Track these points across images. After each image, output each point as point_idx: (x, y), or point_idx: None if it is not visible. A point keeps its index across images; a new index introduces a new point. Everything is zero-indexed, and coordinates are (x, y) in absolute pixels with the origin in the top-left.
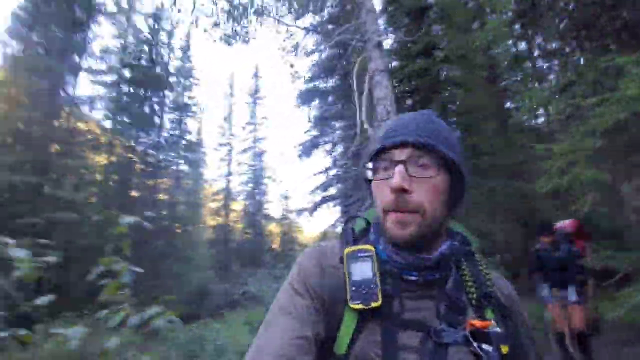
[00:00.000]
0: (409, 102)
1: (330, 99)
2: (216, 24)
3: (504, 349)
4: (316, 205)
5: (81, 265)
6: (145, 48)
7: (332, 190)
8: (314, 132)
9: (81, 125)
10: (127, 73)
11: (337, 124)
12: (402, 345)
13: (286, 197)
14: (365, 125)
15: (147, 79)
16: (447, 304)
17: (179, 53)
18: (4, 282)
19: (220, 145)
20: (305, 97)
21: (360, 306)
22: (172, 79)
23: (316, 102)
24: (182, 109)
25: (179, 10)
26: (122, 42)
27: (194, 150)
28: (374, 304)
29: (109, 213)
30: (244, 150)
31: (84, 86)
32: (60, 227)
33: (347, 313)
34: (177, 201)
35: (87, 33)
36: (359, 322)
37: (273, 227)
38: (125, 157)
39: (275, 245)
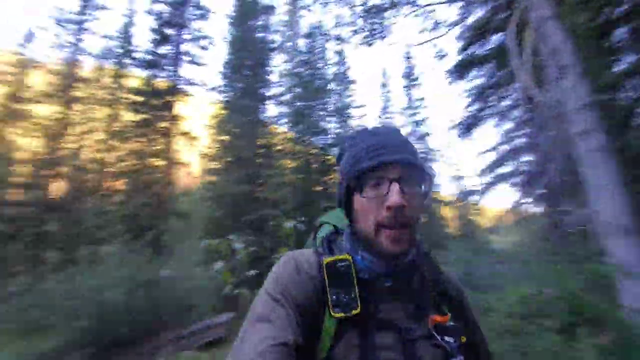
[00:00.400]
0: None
1: (488, 66)
2: (355, 32)
3: (463, 339)
4: (489, 185)
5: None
6: (306, 65)
7: (506, 167)
8: (475, 107)
9: (273, 140)
10: (297, 90)
11: (501, 93)
12: (378, 345)
13: (459, 178)
14: (531, 90)
15: (311, 91)
16: (413, 303)
17: (334, 60)
18: (234, 262)
19: None
20: (459, 71)
21: (341, 315)
22: (331, 86)
23: (474, 73)
24: (343, 111)
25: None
26: (290, 65)
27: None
28: (354, 312)
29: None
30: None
31: (270, 108)
32: (268, 221)
33: (328, 320)
34: None
35: (268, 69)
36: (338, 328)
37: (447, 210)
38: (305, 159)
39: (452, 229)
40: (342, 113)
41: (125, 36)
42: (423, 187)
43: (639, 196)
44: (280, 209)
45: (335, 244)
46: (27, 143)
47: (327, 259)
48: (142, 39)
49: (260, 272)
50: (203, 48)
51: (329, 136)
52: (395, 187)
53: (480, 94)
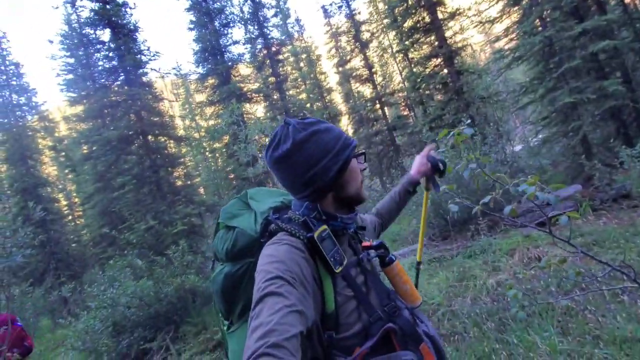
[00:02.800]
0: None
1: None
2: None
3: (387, 246)
4: None
5: None
6: None
7: None
8: None
9: None
10: None
11: None
12: (354, 277)
13: None
14: None
15: None
16: (352, 242)
17: None
18: None
19: None
20: None
21: (340, 268)
22: None
23: None
24: None
25: None
26: None
27: None
28: (345, 263)
29: None
30: None
31: None
32: None
33: (325, 280)
34: None
35: None
36: (333, 281)
37: None
38: None
39: None
40: None
41: None
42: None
43: None
44: None
45: (305, 221)
46: None
47: (317, 232)
48: None
49: None
50: None
51: None
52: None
53: None
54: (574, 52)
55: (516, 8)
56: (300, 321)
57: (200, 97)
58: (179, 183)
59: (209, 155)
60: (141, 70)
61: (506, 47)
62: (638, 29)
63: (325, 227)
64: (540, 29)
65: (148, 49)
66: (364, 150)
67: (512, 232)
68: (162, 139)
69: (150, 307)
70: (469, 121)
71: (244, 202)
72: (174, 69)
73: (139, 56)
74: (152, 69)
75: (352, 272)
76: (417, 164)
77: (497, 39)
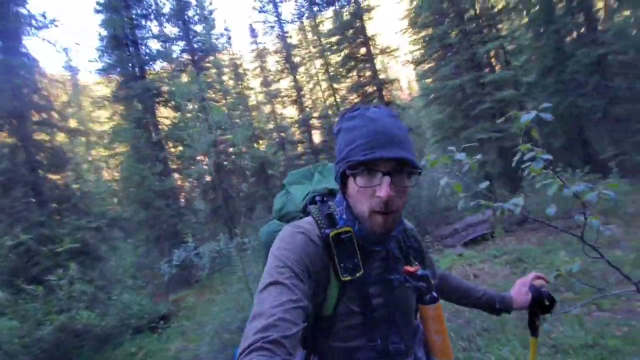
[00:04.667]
0: None
1: None
2: None
3: (433, 282)
4: None
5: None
6: None
7: None
8: None
9: None
10: None
11: None
12: (371, 294)
13: None
14: None
15: None
16: (391, 260)
17: None
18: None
19: None
20: None
21: (349, 278)
22: None
23: None
24: None
25: None
26: None
27: None
28: (358, 274)
29: None
30: None
31: None
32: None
33: (332, 282)
34: None
35: None
36: (341, 287)
37: None
38: None
39: None
40: None
41: None
42: (411, 180)
43: None
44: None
45: (333, 215)
46: None
47: (333, 232)
48: None
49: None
50: None
51: None
52: (387, 181)
53: None
54: (483, 98)
55: (436, 55)
56: (303, 317)
57: (100, 92)
58: (74, 187)
59: (105, 159)
60: (27, 38)
61: (429, 86)
62: (519, 85)
63: (349, 228)
64: (455, 76)
65: (44, 15)
66: (384, 170)
67: (446, 252)
68: (48, 131)
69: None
70: None
71: (311, 174)
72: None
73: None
74: (44, 39)
75: (369, 289)
76: (516, 290)
77: (423, 77)
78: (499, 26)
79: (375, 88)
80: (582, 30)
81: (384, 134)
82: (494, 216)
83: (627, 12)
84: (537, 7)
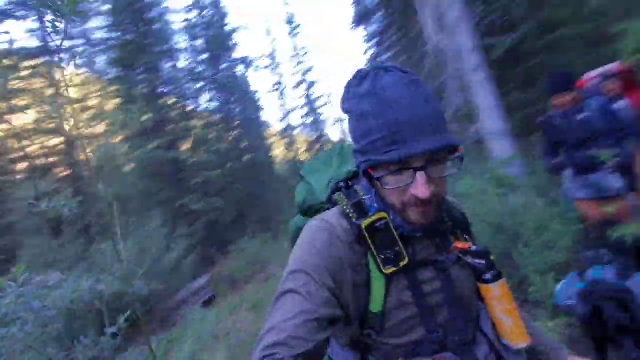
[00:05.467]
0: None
1: (382, 13)
2: None
3: (493, 257)
4: None
5: None
6: None
7: None
8: (372, 52)
9: None
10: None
11: (395, 37)
12: (421, 280)
13: (341, 121)
14: (432, 37)
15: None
16: (438, 238)
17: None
18: None
19: (274, 85)
20: (362, 17)
21: (393, 269)
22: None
23: (376, 16)
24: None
25: None
26: None
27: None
28: (402, 264)
29: None
30: (297, 85)
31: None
32: None
33: (374, 276)
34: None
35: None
36: (387, 280)
37: None
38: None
39: None
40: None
41: None
42: (451, 165)
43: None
44: None
45: (362, 202)
46: None
47: (366, 222)
48: None
49: None
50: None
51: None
52: (421, 178)
53: (378, 40)
54: (196, 174)
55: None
56: (319, 329)
57: None
58: None
59: None
60: None
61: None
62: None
63: (384, 214)
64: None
65: None
66: (417, 166)
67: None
68: None
69: None
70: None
71: (331, 158)
72: None
73: None
74: None
75: (421, 275)
76: None
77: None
78: None
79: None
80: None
81: (407, 121)
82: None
83: None
84: None
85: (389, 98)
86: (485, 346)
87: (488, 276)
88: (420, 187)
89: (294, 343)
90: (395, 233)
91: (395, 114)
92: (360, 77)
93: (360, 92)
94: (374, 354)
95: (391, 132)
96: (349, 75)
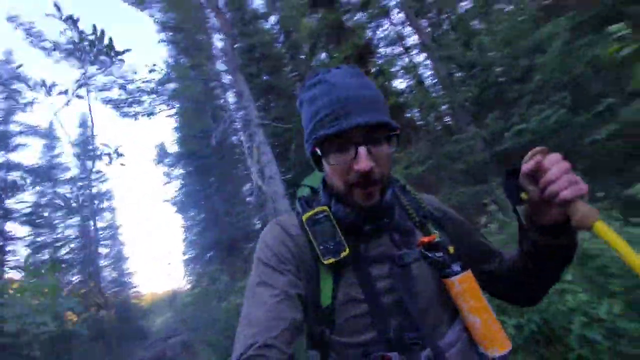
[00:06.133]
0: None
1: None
2: None
3: (451, 250)
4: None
5: None
6: None
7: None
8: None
9: None
10: None
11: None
12: (375, 276)
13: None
14: (259, 182)
15: None
16: (398, 232)
17: None
18: None
19: None
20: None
21: (332, 260)
22: None
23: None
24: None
25: None
26: None
27: None
28: (343, 254)
29: None
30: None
31: None
32: None
33: (322, 269)
34: None
35: None
36: (335, 273)
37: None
38: None
39: None
40: None
41: None
42: (389, 143)
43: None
44: None
45: (314, 201)
46: None
47: (306, 215)
48: None
49: None
50: None
51: None
52: (362, 151)
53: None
54: None
55: None
56: (294, 305)
57: None
58: None
59: None
60: None
61: None
62: None
63: (324, 208)
64: None
65: None
66: (357, 140)
67: None
68: None
69: None
70: None
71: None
72: None
73: None
74: None
75: (375, 271)
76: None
77: None
78: None
79: None
80: None
81: (349, 98)
82: None
83: None
84: None
85: (335, 82)
86: (429, 352)
87: (447, 270)
88: (362, 160)
89: (271, 325)
90: (335, 224)
91: (340, 93)
92: (314, 74)
93: (313, 82)
94: (332, 353)
95: (335, 109)
96: None
